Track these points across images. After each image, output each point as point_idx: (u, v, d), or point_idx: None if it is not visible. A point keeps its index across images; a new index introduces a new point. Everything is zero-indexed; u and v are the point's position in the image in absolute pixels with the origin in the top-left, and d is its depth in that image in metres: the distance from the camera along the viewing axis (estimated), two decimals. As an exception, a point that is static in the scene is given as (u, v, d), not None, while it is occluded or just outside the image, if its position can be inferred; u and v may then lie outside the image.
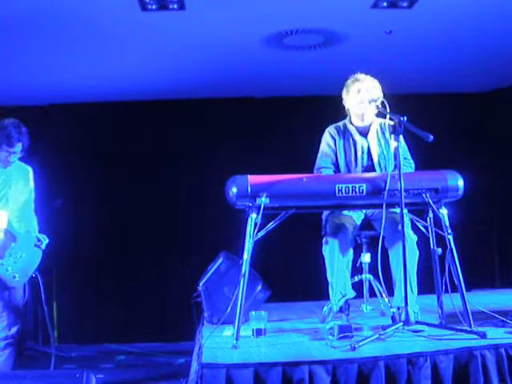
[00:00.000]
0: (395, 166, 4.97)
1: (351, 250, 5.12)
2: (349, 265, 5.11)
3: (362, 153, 5.30)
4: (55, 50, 6.91)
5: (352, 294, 5.10)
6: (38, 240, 5.37)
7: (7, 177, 5.38)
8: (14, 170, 5.44)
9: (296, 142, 8.06)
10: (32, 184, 5.65)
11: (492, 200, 8.78)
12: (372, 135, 5.32)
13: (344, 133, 5.36)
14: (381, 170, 5.22)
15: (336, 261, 5.01)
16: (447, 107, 8.72)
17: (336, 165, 5.32)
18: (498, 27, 6.73)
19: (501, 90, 8.77)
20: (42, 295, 5.38)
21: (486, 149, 8.84)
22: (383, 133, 5.32)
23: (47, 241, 5.46)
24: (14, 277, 5.12)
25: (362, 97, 5.20)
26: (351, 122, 5.37)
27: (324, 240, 5.11)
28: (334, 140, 5.35)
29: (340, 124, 5.43)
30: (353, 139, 5.32)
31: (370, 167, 5.28)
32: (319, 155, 5.41)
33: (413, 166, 5.36)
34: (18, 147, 5.34)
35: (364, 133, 5.33)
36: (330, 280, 5.07)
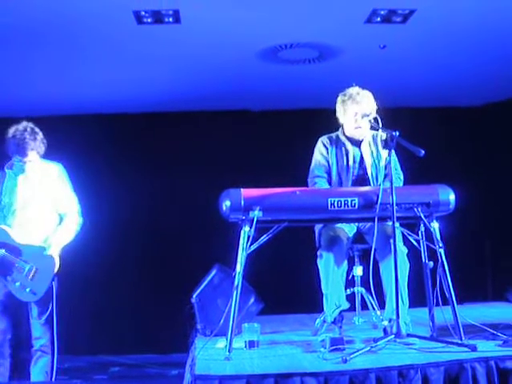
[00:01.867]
0: (385, 176, 5.03)
1: (346, 262, 5.16)
2: (343, 276, 5.14)
3: (354, 162, 5.35)
4: (50, 63, 6.95)
5: (346, 305, 5.13)
6: (44, 249, 5.24)
7: (15, 182, 5.28)
8: (35, 171, 5.31)
9: (291, 155, 8.06)
10: (56, 183, 5.46)
11: (484, 213, 8.80)
12: (365, 145, 5.37)
13: (336, 142, 5.41)
14: (372, 180, 5.27)
15: (331, 272, 5.04)
16: (440, 121, 8.76)
17: (329, 173, 5.37)
18: (492, 41, 6.77)
19: (494, 103, 8.81)
20: (54, 305, 5.36)
21: (479, 162, 8.88)
22: (375, 143, 5.36)
23: (58, 246, 5.37)
24: (25, 290, 5.09)
25: (360, 123, 5.24)
26: (344, 134, 5.42)
27: (319, 253, 5.14)
28: (327, 149, 5.40)
29: (333, 134, 5.49)
30: (345, 148, 5.37)
31: (362, 176, 5.34)
32: (313, 164, 5.46)
33: (401, 177, 5.40)
34: (33, 155, 5.22)
35: (356, 142, 5.38)
36: (324, 291, 5.10)
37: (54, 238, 5.31)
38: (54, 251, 5.29)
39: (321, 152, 5.44)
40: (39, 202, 5.30)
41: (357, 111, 5.27)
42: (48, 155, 5.32)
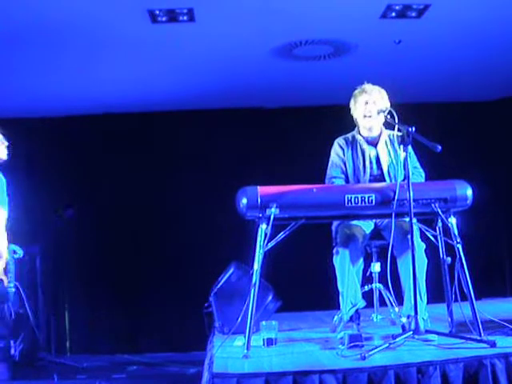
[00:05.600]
0: (405, 176, 5.00)
1: (361, 260, 5.16)
2: (359, 274, 5.15)
3: (371, 162, 5.34)
4: (64, 61, 6.97)
5: (362, 303, 5.12)
6: (14, 252, 5.39)
7: None
8: None
9: (306, 152, 8.08)
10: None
11: (502, 208, 8.77)
12: (381, 145, 5.36)
13: (352, 143, 5.41)
14: (390, 180, 5.25)
15: (347, 270, 5.04)
16: (456, 116, 8.73)
17: (346, 174, 5.37)
18: (508, 36, 6.75)
19: (510, 98, 8.78)
20: (26, 303, 5.40)
21: (497, 157, 8.84)
22: (392, 143, 5.35)
23: (21, 252, 5.51)
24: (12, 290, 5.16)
25: (370, 109, 5.24)
26: (359, 133, 5.42)
27: (335, 250, 5.14)
28: (343, 150, 5.40)
29: (349, 135, 5.49)
30: (361, 148, 5.37)
31: (380, 176, 5.32)
32: (329, 165, 5.46)
33: (423, 174, 5.38)
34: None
35: (373, 143, 5.38)
36: (340, 290, 5.10)
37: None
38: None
39: (337, 153, 5.44)
40: None
41: (367, 100, 5.30)
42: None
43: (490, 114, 8.90)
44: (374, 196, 4.60)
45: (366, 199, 4.58)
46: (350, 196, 4.57)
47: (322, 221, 5.02)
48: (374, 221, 5.35)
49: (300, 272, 8.10)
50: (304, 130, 8.66)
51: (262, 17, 6.14)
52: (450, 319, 4.77)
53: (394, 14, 6.17)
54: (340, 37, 6.71)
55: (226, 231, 7.97)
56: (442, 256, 4.70)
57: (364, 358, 3.99)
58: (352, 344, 4.35)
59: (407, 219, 4.55)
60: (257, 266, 4.53)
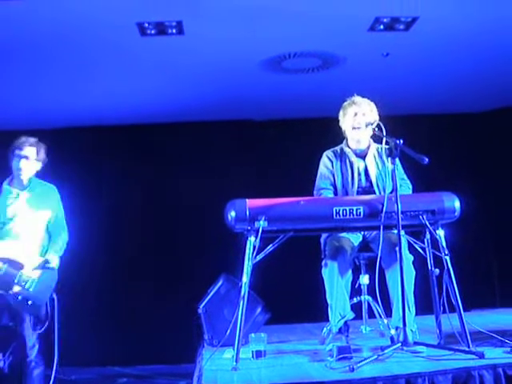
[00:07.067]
0: (393, 188, 5.02)
1: (350, 272, 5.15)
2: (348, 286, 5.13)
3: (359, 174, 5.34)
4: (54, 74, 6.98)
5: (351, 315, 5.11)
6: (47, 261, 5.35)
7: (23, 198, 5.40)
8: (33, 189, 5.45)
9: (294, 164, 8.08)
10: (56, 203, 5.65)
11: (491, 219, 8.79)
12: (370, 158, 5.36)
13: (341, 155, 5.41)
14: (379, 191, 5.26)
15: (335, 283, 5.02)
16: (445, 128, 8.75)
17: (335, 186, 5.37)
18: (494, 48, 6.80)
19: (498, 110, 8.80)
20: (55, 317, 5.39)
21: (485, 168, 8.86)
22: (380, 156, 5.35)
23: (57, 260, 5.48)
24: (27, 303, 5.12)
25: (359, 121, 5.25)
26: (348, 145, 5.43)
27: (323, 262, 5.12)
28: (332, 162, 5.40)
29: (337, 148, 5.49)
30: (349, 160, 5.37)
31: (369, 188, 5.32)
32: (318, 177, 5.46)
33: (410, 186, 5.39)
34: (29, 151, 5.35)
35: (361, 155, 5.38)
36: (329, 302, 5.08)
37: (53, 252, 5.39)
38: (55, 263, 5.37)
39: (326, 165, 5.44)
40: (34, 220, 5.38)
41: (356, 111, 5.31)
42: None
43: (479, 125, 8.93)
44: (362, 208, 4.61)
45: (355, 212, 4.59)
46: (338, 208, 4.58)
47: (310, 233, 5.02)
48: (362, 233, 5.36)
49: (289, 284, 8.09)
50: (292, 142, 8.66)
51: (251, 30, 6.16)
52: (438, 331, 4.79)
53: (382, 27, 6.21)
54: (328, 49, 6.74)
55: (214, 244, 7.95)
56: (430, 268, 4.71)
57: (353, 370, 4.00)
58: (341, 356, 4.35)
59: (395, 231, 4.56)
60: (246, 278, 4.53)
